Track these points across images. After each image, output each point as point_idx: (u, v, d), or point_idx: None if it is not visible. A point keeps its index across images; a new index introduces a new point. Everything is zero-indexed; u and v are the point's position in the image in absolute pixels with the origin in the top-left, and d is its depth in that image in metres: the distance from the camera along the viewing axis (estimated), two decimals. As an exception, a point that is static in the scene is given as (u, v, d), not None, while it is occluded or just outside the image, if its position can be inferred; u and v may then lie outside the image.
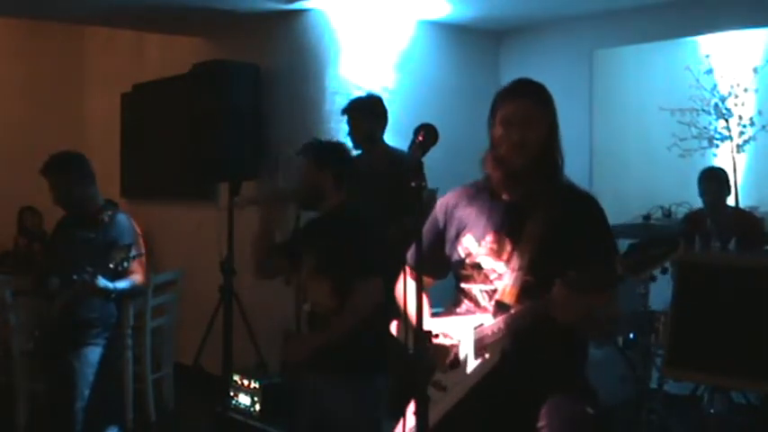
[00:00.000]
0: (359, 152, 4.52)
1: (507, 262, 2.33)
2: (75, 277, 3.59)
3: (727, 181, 5.09)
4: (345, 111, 4.65)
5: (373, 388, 3.06)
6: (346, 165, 3.28)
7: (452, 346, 2.37)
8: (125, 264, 3.59)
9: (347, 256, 3.02)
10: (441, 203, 2.56)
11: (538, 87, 2.43)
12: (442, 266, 2.53)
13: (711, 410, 4.35)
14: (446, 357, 2.37)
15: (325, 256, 3.12)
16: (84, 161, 3.97)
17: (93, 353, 3.79)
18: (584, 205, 2.40)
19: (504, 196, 2.40)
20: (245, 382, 4.69)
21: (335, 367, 3.06)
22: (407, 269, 2.52)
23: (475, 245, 2.40)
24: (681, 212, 5.39)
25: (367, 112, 4.55)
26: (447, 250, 2.49)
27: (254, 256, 3.39)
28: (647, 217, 4.96)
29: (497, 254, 2.36)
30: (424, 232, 2.46)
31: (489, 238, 2.38)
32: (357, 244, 3.06)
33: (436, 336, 2.35)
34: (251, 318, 5.27)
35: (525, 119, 2.33)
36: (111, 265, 3.57)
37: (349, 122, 4.61)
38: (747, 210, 5.27)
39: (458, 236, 2.45)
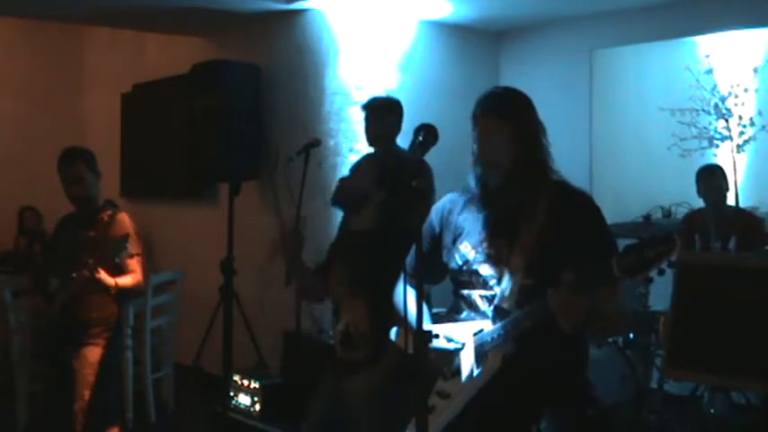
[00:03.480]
0: (372, 150, 4.51)
1: (505, 267, 2.31)
2: (74, 275, 3.59)
3: (726, 178, 5.08)
4: (365, 107, 4.61)
5: (401, 401, 2.97)
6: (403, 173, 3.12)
7: (453, 353, 2.35)
8: (121, 254, 3.59)
9: (385, 276, 2.77)
10: (436, 209, 2.54)
11: (511, 100, 2.38)
12: (439, 272, 2.51)
13: (711, 410, 4.35)
14: (448, 365, 2.35)
15: (362, 274, 2.96)
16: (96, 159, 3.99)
17: (93, 353, 3.78)
18: (579, 204, 2.37)
19: (493, 207, 2.38)
20: (245, 382, 4.69)
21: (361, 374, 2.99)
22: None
23: (472, 252, 2.38)
24: (681, 212, 5.39)
25: (386, 111, 4.53)
26: (444, 257, 2.47)
27: (299, 288, 3.32)
28: (647, 217, 4.95)
29: (495, 259, 2.34)
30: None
31: (486, 244, 2.36)
32: (396, 262, 2.77)
33: (437, 336, 2.33)
34: (251, 318, 5.27)
35: (488, 139, 2.33)
36: (109, 258, 3.57)
37: (367, 119, 4.56)
38: (747, 209, 5.27)
39: (454, 242, 2.43)
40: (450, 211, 2.48)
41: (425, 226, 2.50)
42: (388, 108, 4.54)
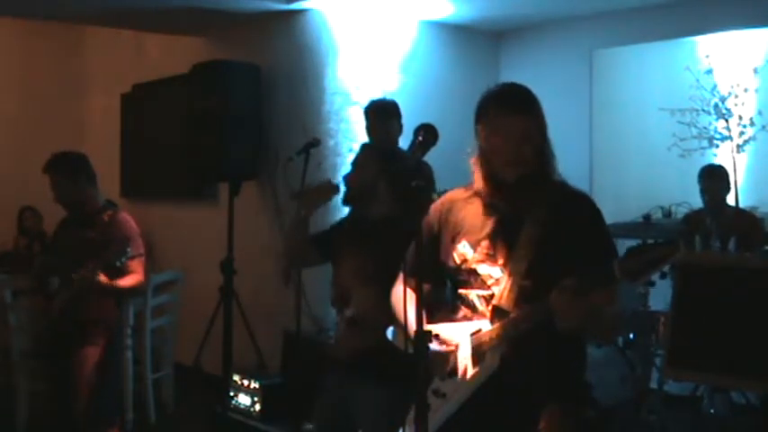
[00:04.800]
0: (366, 141, 4.52)
1: (504, 267, 2.29)
2: (74, 276, 3.59)
3: (728, 178, 5.09)
4: (366, 112, 4.62)
5: (403, 397, 2.95)
6: (402, 173, 3.14)
7: (450, 353, 2.34)
8: (123, 259, 3.60)
9: (398, 266, 2.69)
10: (434, 208, 2.50)
11: (528, 96, 2.33)
12: (438, 272, 2.48)
13: (711, 410, 4.35)
14: (444, 365, 2.34)
15: (377, 265, 2.94)
16: (86, 162, 3.98)
17: (93, 353, 3.78)
18: (580, 205, 2.35)
19: (498, 206, 2.36)
20: (245, 382, 4.69)
21: (368, 374, 2.96)
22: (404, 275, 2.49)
23: (470, 251, 2.35)
24: (681, 212, 5.39)
25: (387, 114, 4.55)
26: (442, 256, 2.44)
27: (288, 245, 3.28)
28: (647, 217, 4.96)
29: (493, 259, 2.32)
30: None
31: (485, 243, 2.33)
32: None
33: (436, 336, 2.33)
34: (251, 318, 5.27)
35: (521, 136, 2.26)
36: (111, 262, 3.57)
37: (368, 123, 4.58)
38: (747, 210, 5.27)
39: (453, 241, 2.40)
40: (449, 210, 2.46)
41: (424, 225, 2.47)
42: (388, 111, 4.56)
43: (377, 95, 5.51)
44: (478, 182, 2.37)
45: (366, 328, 2.96)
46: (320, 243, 3.24)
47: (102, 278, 3.61)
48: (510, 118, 2.27)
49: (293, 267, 3.54)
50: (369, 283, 2.97)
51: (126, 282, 3.75)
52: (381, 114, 4.54)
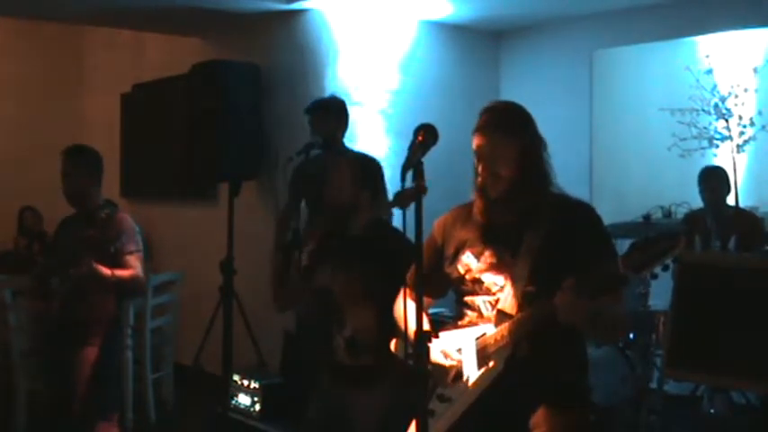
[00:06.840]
0: (318, 153, 4.53)
1: (508, 274, 2.34)
2: (71, 272, 3.60)
3: (727, 179, 5.09)
4: (306, 111, 4.71)
5: (404, 404, 2.93)
6: (383, 182, 3.14)
7: (452, 366, 2.37)
8: (117, 244, 3.63)
9: (395, 281, 2.65)
10: (438, 224, 2.57)
11: (506, 113, 2.40)
12: (441, 285, 2.53)
13: (711, 410, 4.35)
14: (447, 376, 2.37)
15: (370, 281, 2.92)
16: (99, 161, 4.01)
17: (92, 352, 3.78)
18: (580, 214, 2.40)
19: (498, 219, 2.41)
20: (245, 382, 4.69)
21: (369, 382, 2.96)
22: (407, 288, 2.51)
23: (474, 261, 2.40)
24: (681, 212, 5.39)
25: (327, 113, 4.60)
26: (446, 268, 2.49)
27: (275, 288, 3.25)
28: (647, 217, 4.96)
29: (497, 268, 2.36)
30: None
31: (488, 252, 2.39)
32: (406, 268, 2.59)
33: (436, 336, 2.34)
34: (251, 318, 5.27)
35: (492, 153, 2.33)
36: (105, 248, 3.59)
37: (310, 123, 4.67)
38: (747, 209, 5.27)
39: (457, 253, 2.46)
40: (452, 225, 2.51)
41: (428, 240, 2.53)
42: (325, 108, 4.63)
43: (377, 95, 5.52)
44: (472, 193, 2.43)
45: (367, 346, 2.93)
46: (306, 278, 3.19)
47: (100, 267, 3.61)
48: (480, 137, 2.35)
49: (290, 308, 3.50)
50: (363, 300, 2.94)
51: (123, 272, 3.75)
52: (318, 113, 4.61)
